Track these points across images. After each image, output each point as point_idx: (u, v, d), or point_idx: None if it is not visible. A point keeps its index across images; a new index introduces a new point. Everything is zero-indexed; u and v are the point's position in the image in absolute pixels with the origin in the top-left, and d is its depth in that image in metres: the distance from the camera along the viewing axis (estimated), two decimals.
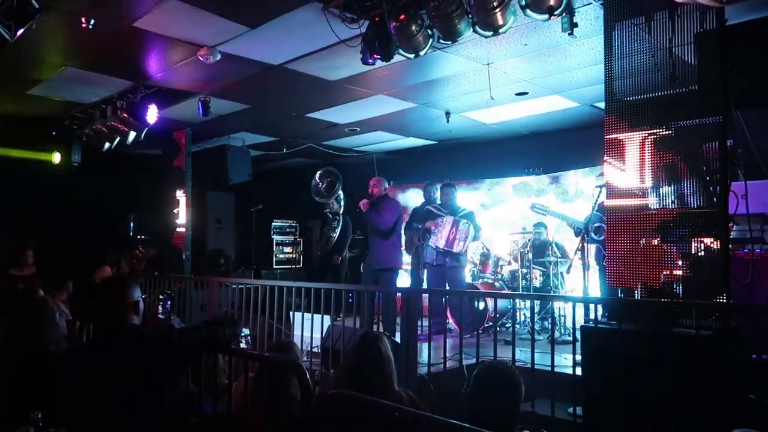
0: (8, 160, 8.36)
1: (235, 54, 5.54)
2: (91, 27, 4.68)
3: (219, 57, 5.47)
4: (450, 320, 6.58)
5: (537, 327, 6.54)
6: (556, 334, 5.47)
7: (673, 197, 3.83)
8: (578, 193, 8.22)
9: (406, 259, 7.34)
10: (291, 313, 5.65)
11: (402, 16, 4.19)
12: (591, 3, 4.34)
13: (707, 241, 3.72)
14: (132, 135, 7.13)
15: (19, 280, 5.51)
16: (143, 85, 6.58)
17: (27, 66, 5.88)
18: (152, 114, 6.73)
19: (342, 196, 7.79)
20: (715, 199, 3.68)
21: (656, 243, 3.89)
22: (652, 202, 3.89)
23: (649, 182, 3.90)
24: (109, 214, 9.47)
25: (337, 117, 7.99)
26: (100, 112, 7.22)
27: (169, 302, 3.68)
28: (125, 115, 6.82)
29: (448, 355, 4.58)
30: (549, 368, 3.90)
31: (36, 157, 8.66)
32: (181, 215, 7.86)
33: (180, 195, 7.89)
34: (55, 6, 4.26)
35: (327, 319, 5.04)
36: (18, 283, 5.14)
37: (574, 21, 4.26)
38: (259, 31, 5.01)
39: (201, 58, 5.46)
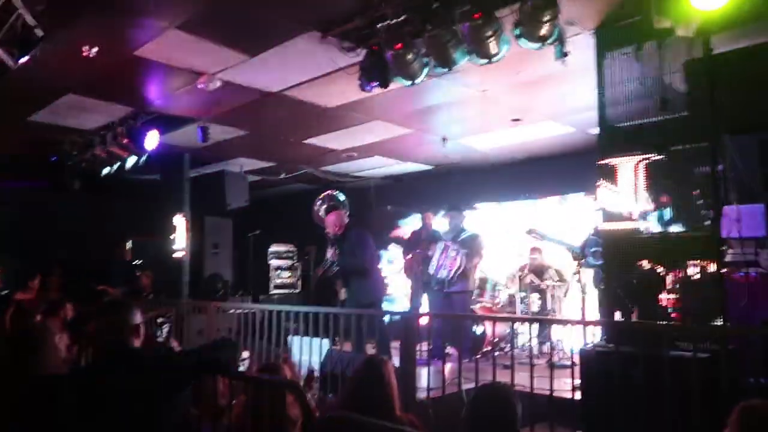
0: (7, 188, 8.42)
1: (234, 81, 5.63)
2: (93, 55, 4.77)
3: (219, 84, 5.56)
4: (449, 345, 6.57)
5: (535, 351, 6.53)
6: (555, 358, 5.47)
7: (666, 221, 3.89)
8: (573, 217, 8.28)
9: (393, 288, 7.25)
10: (289, 337, 5.64)
11: (399, 45, 4.28)
12: (582, 33, 4.45)
13: (702, 263, 3.77)
14: (131, 160, 7.19)
15: (24, 304, 5.51)
16: (143, 112, 6.67)
17: (29, 92, 5.95)
18: (152, 139, 6.80)
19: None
20: (708, 223, 3.75)
21: (652, 266, 3.94)
22: (646, 225, 3.95)
23: (642, 206, 3.97)
24: (107, 239, 9.48)
25: (334, 143, 8.08)
26: (100, 137, 7.28)
27: (166, 326, 3.69)
28: (125, 140, 6.89)
29: (447, 380, 4.57)
30: (548, 392, 3.90)
31: (34, 184, 8.72)
32: (179, 240, 7.88)
33: (178, 220, 7.92)
34: (59, 34, 4.34)
35: (326, 343, 5.04)
36: (22, 308, 5.15)
37: (566, 50, 4.36)
38: (258, 60, 5.11)
39: (201, 86, 5.55)
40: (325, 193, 8.13)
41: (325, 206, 7.93)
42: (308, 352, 4.92)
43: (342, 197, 8.03)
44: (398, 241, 6.31)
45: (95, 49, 4.74)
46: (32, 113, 6.65)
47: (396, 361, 4.72)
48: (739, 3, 3.10)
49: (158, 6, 4.22)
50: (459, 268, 6.68)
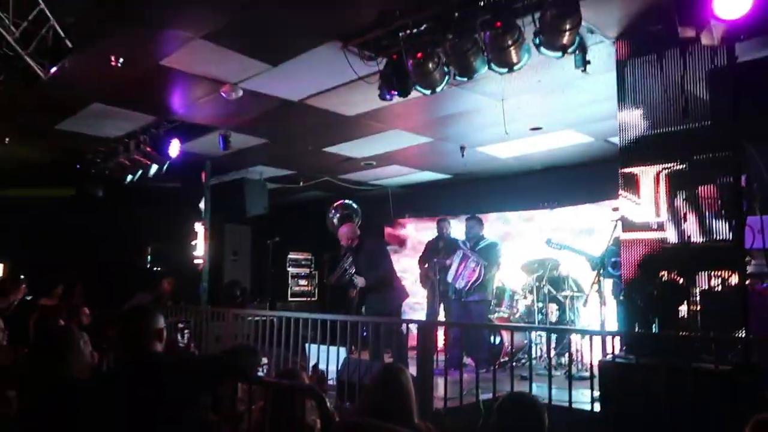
0: (34, 197, 8.61)
1: (256, 90, 5.70)
2: (120, 65, 4.88)
3: (241, 93, 5.64)
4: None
5: (554, 363, 6.47)
6: (573, 370, 5.42)
7: (688, 231, 3.85)
8: (592, 227, 8.20)
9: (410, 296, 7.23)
10: (306, 345, 5.67)
11: (419, 54, 4.31)
12: (603, 41, 4.44)
13: (724, 275, 3.72)
14: (154, 168, 7.30)
15: (47, 310, 5.63)
16: (166, 120, 6.78)
17: (57, 101, 6.09)
18: (174, 148, 6.90)
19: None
20: (730, 233, 3.70)
21: (673, 276, 3.90)
22: (667, 235, 3.91)
23: (664, 216, 3.93)
24: (128, 245, 9.63)
25: (353, 151, 8.13)
26: (124, 145, 7.42)
27: (187, 331, 3.73)
28: (148, 148, 7.00)
29: (464, 390, 4.55)
30: (567, 404, 3.86)
31: (59, 192, 8.91)
32: (199, 247, 7.98)
33: (198, 227, 8.02)
34: (88, 45, 4.45)
35: (342, 351, 5.05)
36: (46, 313, 5.25)
37: (587, 58, 4.36)
38: (280, 69, 5.17)
39: (223, 95, 5.64)
40: (338, 203, 8.20)
41: (338, 215, 8.02)
42: (325, 360, 4.94)
43: (355, 206, 8.09)
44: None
45: (122, 60, 4.84)
46: (58, 122, 6.80)
47: (413, 370, 4.72)
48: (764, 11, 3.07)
49: (185, 17, 4.31)
50: (477, 279, 6.66)
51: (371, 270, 6.20)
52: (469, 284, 6.67)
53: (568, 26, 3.67)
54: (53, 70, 4.12)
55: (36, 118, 6.60)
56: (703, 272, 3.81)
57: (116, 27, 4.41)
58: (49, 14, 3.77)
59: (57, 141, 7.50)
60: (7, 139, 7.28)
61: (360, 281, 6.27)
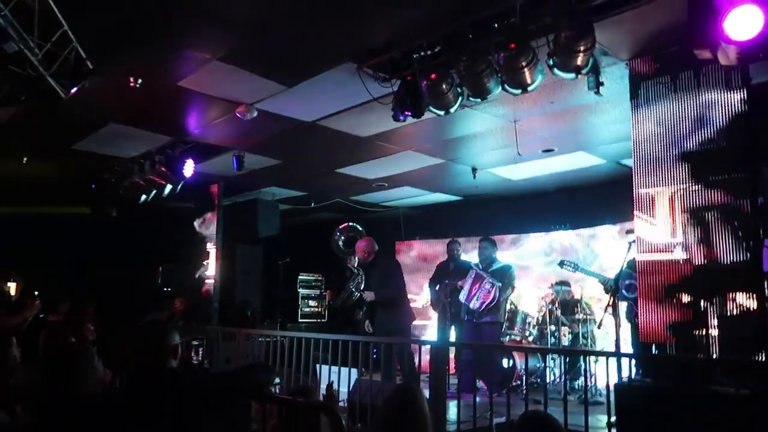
0: (48, 215, 8.71)
1: (271, 111, 5.77)
2: (138, 86, 4.96)
3: (255, 114, 5.71)
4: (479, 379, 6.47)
5: (567, 388, 6.37)
6: (588, 394, 5.33)
7: (705, 252, 3.81)
8: (606, 249, 8.15)
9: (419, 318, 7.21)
10: (317, 365, 5.63)
11: (433, 75, 4.36)
12: (617, 63, 4.47)
13: (742, 297, 3.67)
14: (168, 188, 7.36)
15: (53, 326, 5.64)
16: (181, 140, 6.86)
17: (74, 121, 6.19)
18: (189, 168, 6.97)
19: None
20: (748, 255, 3.66)
21: (689, 298, 3.85)
22: (684, 257, 3.88)
23: (680, 237, 3.90)
24: (141, 264, 9.68)
25: (366, 172, 8.18)
26: (139, 165, 7.50)
27: (201, 349, 3.73)
28: (163, 168, 7.07)
29: (477, 413, 4.49)
30: (582, 429, 3.80)
31: (74, 210, 9.01)
32: (211, 267, 8.01)
33: (210, 247, 8.06)
34: (108, 66, 4.54)
35: (354, 372, 5.01)
36: (54, 329, 5.28)
37: (600, 80, 4.39)
38: (295, 90, 5.24)
39: (238, 115, 5.70)
40: (344, 225, 8.24)
41: (343, 237, 8.08)
42: (337, 381, 4.90)
43: (360, 228, 8.13)
44: None
45: (140, 81, 4.93)
46: (75, 142, 6.90)
47: (425, 392, 4.66)
48: None
49: (202, 39, 4.40)
50: (493, 301, 6.62)
51: (384, 287, 6.23)
52: (485, 305, 6.63)
53: (582, 48, 3.70)
54: (74, 90, 4.20)
55: (53, 137, 6.70)
56: (720, 294, 3.76)
57: (135, 49, 4.50)
58: (72, 36, 3.85)
59: (73, 161, 7.61)
60: (24, 159, 7.38)
61: (369, 296, 6.30)
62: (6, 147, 6.93)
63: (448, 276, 7.22)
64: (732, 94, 3.70)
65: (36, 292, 6.22)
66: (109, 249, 9.31)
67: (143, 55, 4.62)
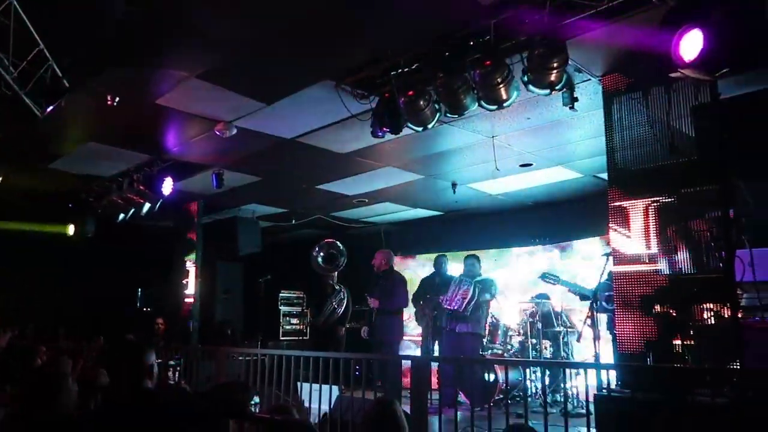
0: (24, 234, 8.55)
1: (250, 128, 5.77)
2: (116, 104, 4.93)
3: (235, 131, 5.70)
4: (460, 393, 6.46)
5: (548, 401, 6.40)
6: (569, 406, 5.36)
7: (679, 263, 3.88)
8: (585, 262, 8.24)
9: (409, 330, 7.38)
10: (299, 383, 5.58)
11: (410, 92, 4.41)
12: (590, 79, 4.57)
13: (716, 307, 3.74)
14: (147, 206, 7.30)
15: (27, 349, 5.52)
16: (160, 159, 6.82)
17: (51, 141, 6.14)
18: (168, 186, 6.92)
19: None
20: (721, 266, 3.73)
21: (665, 309, 3.91)
22: (658, 268, 3.94)
23: (654, 249, 3.97)
24: (119, 284, 9.54)
25: (346, 189, 8.19)
26: (117, 184, 7.43)
27: (178, 368, 3.68)
28: (141, 187, 7.01)
29: (458, 428, 4.47)
30: None
31: (51, 229, 8.86)
32: (190, 285, 7.93)
33: (189, 266, 7.99)
34: (85, 84, 4.52)
35: (335, 389, 4.97)
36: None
37: (575, 96, 4.47)
38: (274, 107, 5.26)
39: (218, 133, 5.69)
40: (324, 241, 8.26)
41: (322, 254, 8.17)
42: (317, 399, 4.86)
43: (340, 246, 8.20)
44: None
45: (118, 99, 4.90)
46: (53, 161, 6.83)
47: (406, 408, 4.64)
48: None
49: (180, 57, 4.40)
50: (472, 298, 6.68)
51: (391, 297, 6.87)
52: (464, 302, 6.69)
53: (555, 64, 3.78)
54: (50, 109, 4.17)
55: (29, 157, 6.62)
56: (694, 305, 3.82)
57: (113, 67, 4.48)
58: (48, 54, 3.83)
59: (51, 180, 7.51)
60: (0, 178, 7.27)
61: (373, 303, 6.90)
62: None
63: (433, 290, 7.24)
64: (701, 109, 3.80)
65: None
66: (88, 269, 9.16)
67: (121, 74, 4.60)
